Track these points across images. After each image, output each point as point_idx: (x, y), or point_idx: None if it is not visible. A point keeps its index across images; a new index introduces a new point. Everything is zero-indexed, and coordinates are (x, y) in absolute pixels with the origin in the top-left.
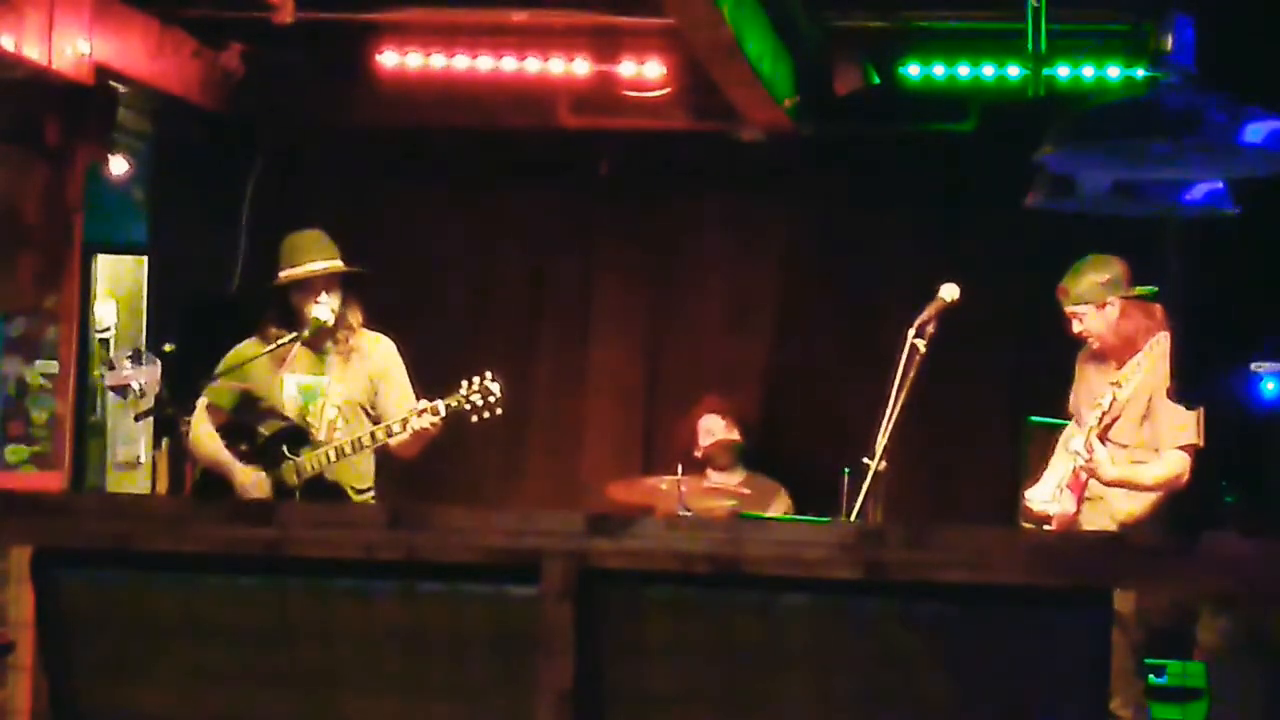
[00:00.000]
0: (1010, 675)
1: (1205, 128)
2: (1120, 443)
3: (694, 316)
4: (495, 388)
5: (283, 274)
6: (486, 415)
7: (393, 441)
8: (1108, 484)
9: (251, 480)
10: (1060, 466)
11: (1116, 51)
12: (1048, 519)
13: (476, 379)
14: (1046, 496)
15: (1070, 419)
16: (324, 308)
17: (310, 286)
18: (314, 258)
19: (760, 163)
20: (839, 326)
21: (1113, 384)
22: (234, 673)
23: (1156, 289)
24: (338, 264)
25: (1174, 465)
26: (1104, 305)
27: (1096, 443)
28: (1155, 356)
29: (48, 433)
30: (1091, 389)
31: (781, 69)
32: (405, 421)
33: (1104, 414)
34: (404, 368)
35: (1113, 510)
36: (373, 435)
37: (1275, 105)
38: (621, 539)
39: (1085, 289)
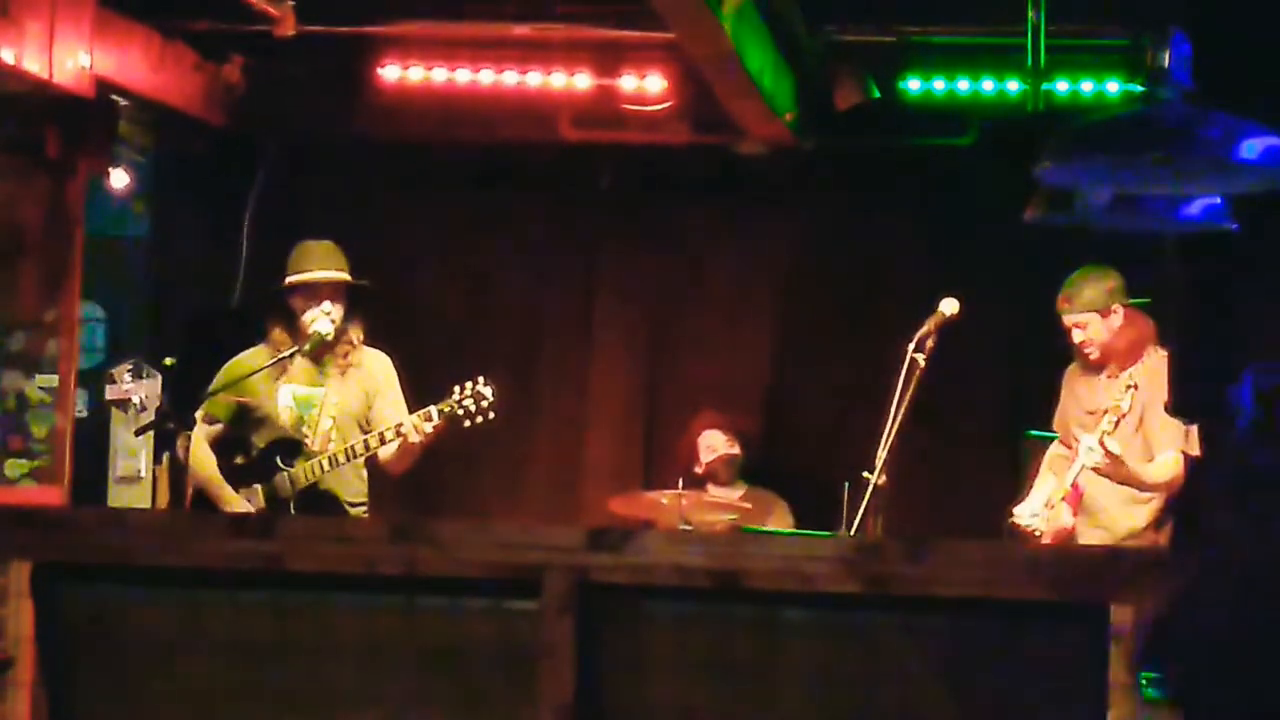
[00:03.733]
0: (1009, 688)
1: (1202, 143)
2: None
3: (694, 330)
4: (488, 391)
5: (289, 278)
6: (480, 420)
7: (383, 453)
8: (1121, 481)
9: (240, 509)
10: (1046, 483)
11: (1115, 66)
12: (1032, 534)
13: (469, 383)
14: (1034, 511)
15: (1056, 435)
16: (325, 321)
17: (314, 293)
18: (322, 266)
19: (761, 176)
20: (839, 340)
21: (1129, 386)
22: (234, 687)
23: (1150, 300)
24: (344, 274)
25: (1174, 466)
26: (1109, 313)
27: (1110, 441)
28: (1150, 368)
29: (48, 447)
30: (1080, 404)
31: (782, 83)
32: (399, 427)
33: (1121, 415)
34: (399, 384)
35: (1111, 524)
36: (365, 443)
37: (1271, 121)
38: (622, 553)
39: (1091, 296)
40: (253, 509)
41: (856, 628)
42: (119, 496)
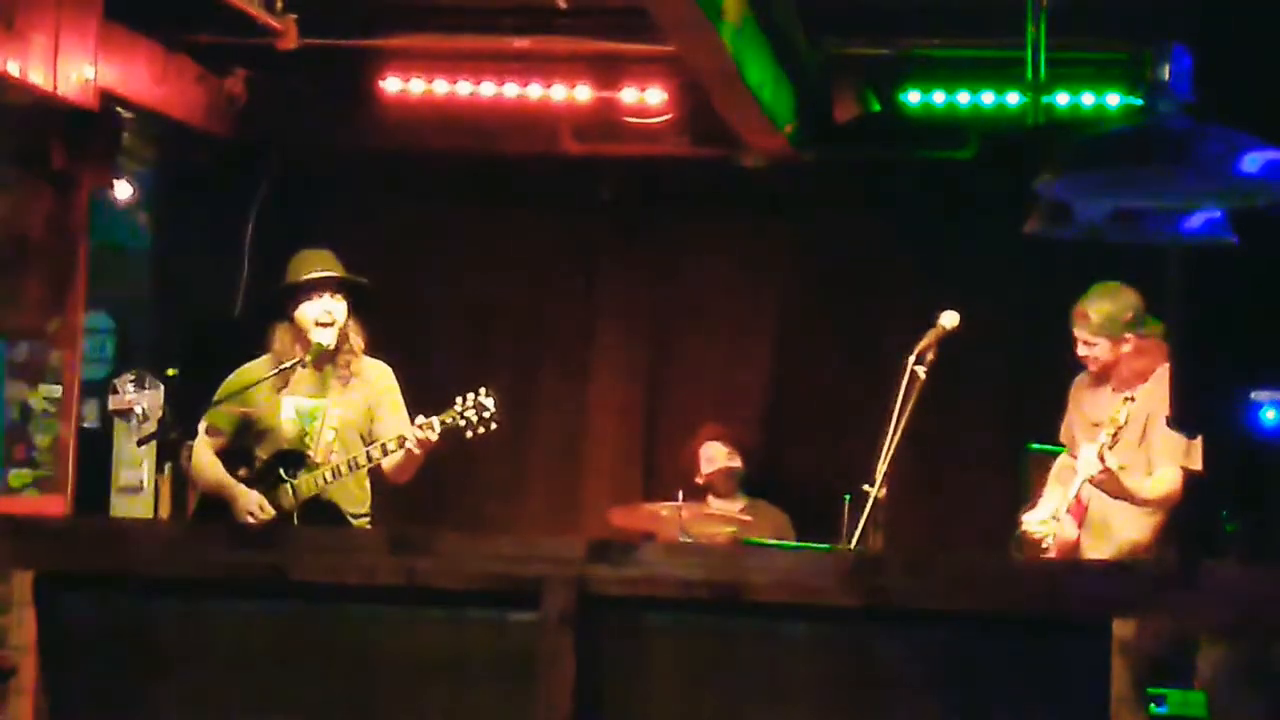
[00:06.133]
0: (1010, 703)
1: (1202, 157)
2: (1118, 464)
3: (695, 342)
4: (490, 403)
5: (291, 281)
6: (482, 430)
7: (386, 463)
8: (1116, 495)
9: (253, 501)
10: (1055, 494)
11: (1116, 79)
12: (1040, 542)
13: (471, 395)
14: (1043, 517)
15: (1064, 448)
16: (326, 331)
17: (312, 293)
18: (320, 268)
19: (761, 189)
20: (840, 353)
21: (1126, 399)
22: (235, 697)
23: (1164, 325)
24: (341, 272)
25: (1171, 481)
26: (1121, 340)
27: (1109, 454)
28: (1157, 382)
29: (51, 457)
30: (1085, 416)
31: (782, 96)
32: (402, 439)
33: (1119, 429)
34: (401, 395)
35: (1115, 538)
36: (368, 454)
37: (1272, 135)
38: (622, 565)
39: (1106, 321)
40: (264, 504)
41: (857, 641)
42: (121, 506)
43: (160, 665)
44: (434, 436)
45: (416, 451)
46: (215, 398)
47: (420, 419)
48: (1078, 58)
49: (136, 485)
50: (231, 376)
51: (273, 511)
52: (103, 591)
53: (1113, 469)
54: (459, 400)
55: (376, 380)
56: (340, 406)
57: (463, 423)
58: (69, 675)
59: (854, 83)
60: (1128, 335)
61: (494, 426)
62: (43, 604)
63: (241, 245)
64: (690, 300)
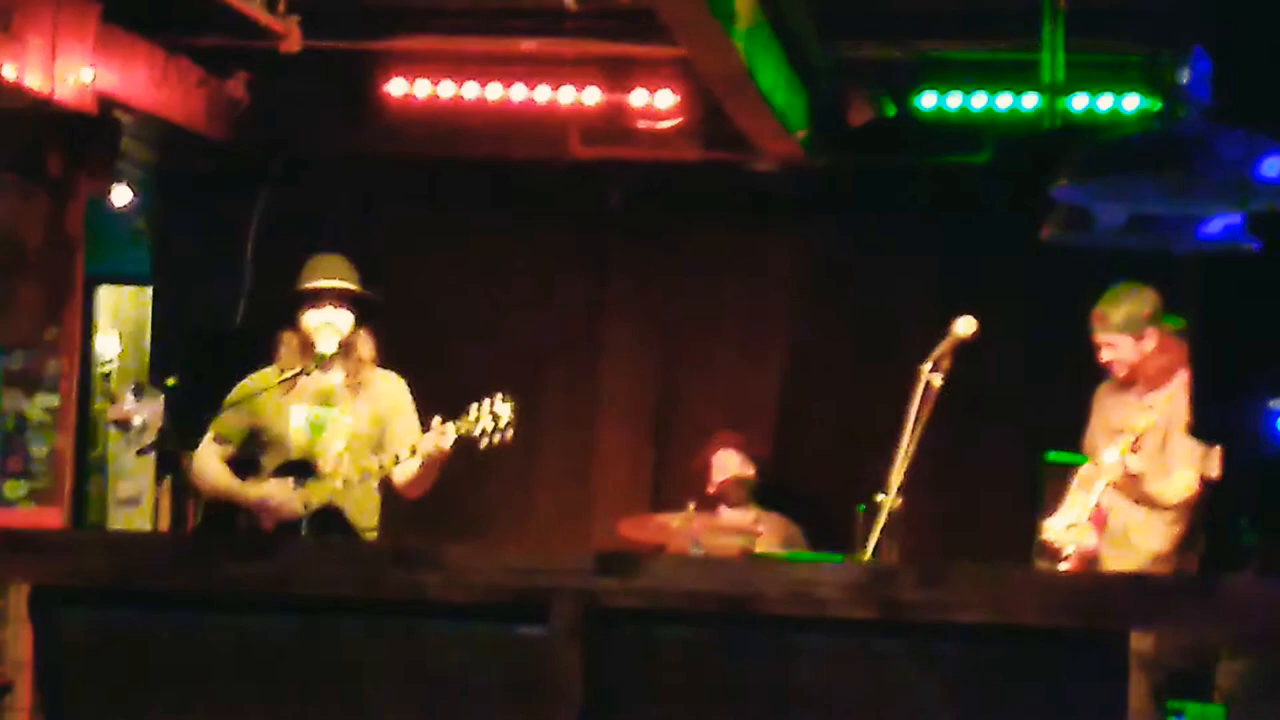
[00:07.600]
0: (1026, 716)
1: (1221, 161)
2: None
3: (706, 349)
4: (506, 410)
5: (296, 288)
6: (497, 439)
7: (399, 477)
8: (1137, 499)
9: (269, 490)
10: (1077, 504)
11: (1133, 82)
12: (1061, 550)
13: (486, 401)
14: (1064, 526)
15: (1087, 456)
16: (328, 339)
17: (316, 301)
18: (327, 276)
19: (773, 194)
20: (853, 360)
21: (1148, 408)
22: (235, 712)
23: (1185, 321)
24: (347, 284)
25: (1186, 486)
26: (1142, 337)
27: (1131, 457)
28: (1177, 389)
29: (48, 468)
30: (1109, 423)
31: (794, 99)
32: (414, 448)
33: (1139, 435)
34: (414, 407)
35: (1136, 549)
36: (380, 463)
37: None
38: (632, 578)
39: (1125, 319)
40: (285, 491)
41: (869, 654)
42: (119, 518)
43: (160, 680)
44: (447, 445)
45: (414, 474)
46: (225, 403)
47: (436, 421)
48: (1095, 60)
49: (135, 497)
50: (240, 384)
51: (291, 501)
52: (100, 605)
53: (1136, 472)
54: (473, 407)
55: (388, 391)
56: (351, 417)
57: (477, 431)
58: (66, 691)
59: (868, 86)
60: (1149, 331)
61: (509, 435)
62: (39, 619)
63: (242, 251)
64: (701, 307)
